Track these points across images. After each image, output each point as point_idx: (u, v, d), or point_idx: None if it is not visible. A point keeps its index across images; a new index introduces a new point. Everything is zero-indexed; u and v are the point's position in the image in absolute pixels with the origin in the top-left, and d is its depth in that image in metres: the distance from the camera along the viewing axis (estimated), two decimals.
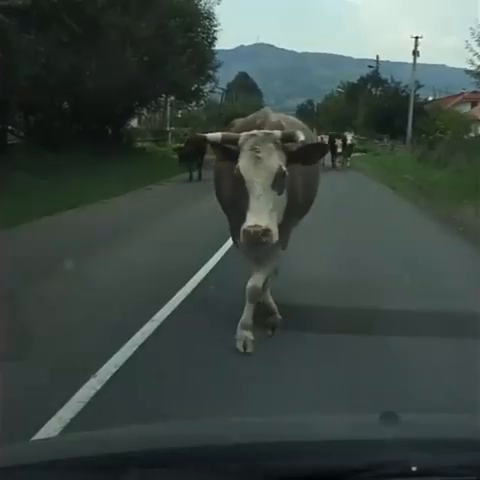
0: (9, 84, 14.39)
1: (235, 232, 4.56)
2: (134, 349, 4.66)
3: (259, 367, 4.36)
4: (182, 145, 20.45)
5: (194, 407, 3.60)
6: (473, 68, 25.17)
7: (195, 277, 6.84)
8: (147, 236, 9.53)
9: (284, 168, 4.00)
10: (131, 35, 19.30)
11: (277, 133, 4.05)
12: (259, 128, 4.17)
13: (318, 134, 25.46)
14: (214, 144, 4.22)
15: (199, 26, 28.13)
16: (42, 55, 14.33)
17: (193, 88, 29.21)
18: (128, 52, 19.08)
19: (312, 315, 5.19)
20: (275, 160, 3.98)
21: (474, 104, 42.02)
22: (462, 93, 43.97)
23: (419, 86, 44.67)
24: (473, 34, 24.18)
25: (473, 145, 22.82)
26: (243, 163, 4.00)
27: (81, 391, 3.89)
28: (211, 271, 7.23)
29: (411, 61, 42.83)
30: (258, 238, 3.81)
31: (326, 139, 23.59)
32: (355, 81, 59.72)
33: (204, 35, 28.83)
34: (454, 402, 3.66)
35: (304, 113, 70.68)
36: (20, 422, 3.36)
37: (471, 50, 24.28)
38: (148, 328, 5.11)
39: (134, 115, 31.55)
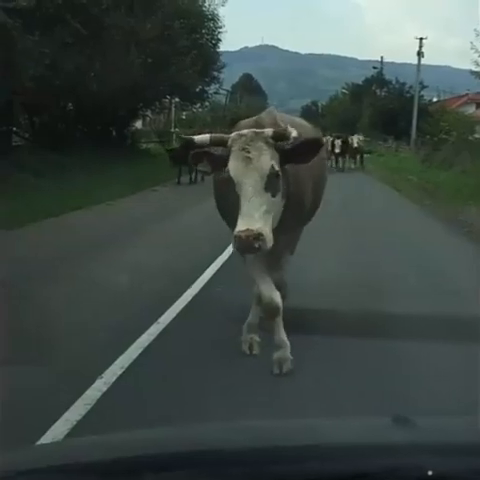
0: (13, 85, 14.42)
1: None
2: (140, 351, 4.66)
3: (267, 369, 4.32)
4: (172, 147, 20.03)
5: (200, 410, 3.59)
6: (478, 69, 25.11)
7: (202, 277, 6.85)
8: (152, 237, 9.55)
9: (277, 168, 3.73)
10: (135, 36, 19.29)
11: (268, 131, 3.79)
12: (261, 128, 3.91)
13: (323, 136, 25.44)
14: (205, 153, 3.90)
15: (203, 28, 28.15)
16: (46, 56, 14.32)
17: (197, 89, 29.21)
18: (132, 53, 19.08)
19: (319, 317, 5.15)
20: (266, 160, 3.70)
21: (479, 105, 41.92)
22: (467, 94, 43.86)
23: (424, 87, 44.65)
24: (478, 35, 24.08)
25: (478, 146, 22.78)
26: (233, 164, 3.74)
27: (88, 393, 3.89)
28: (218, 271, 7.23)
29: (416, 62, 42.90)
30: (250, 243, 3.52)
31: (330, 140, 23.66)
32: (359, 82, 59.69)
33: (208, 36, 28.84)
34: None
35: (308, 114, 70.49)
36: (27, 424, 3.36)
37: (476, 51, 24.22)
38: (154, 330, 5.10)
39: (138, 116, 31.55)
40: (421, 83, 43.10)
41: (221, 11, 32.38)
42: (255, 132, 3.79)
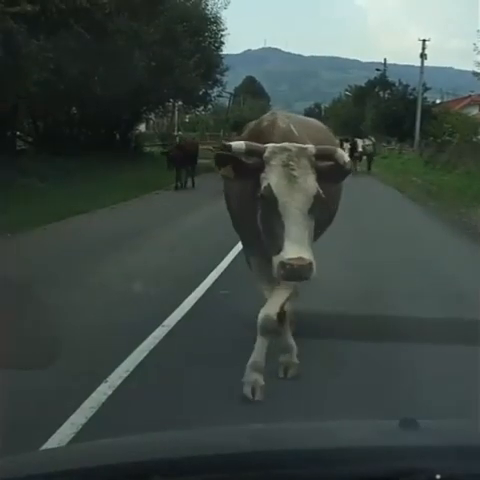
0: (18, 90, 14.47)
1: (249, 252, 4.25)
2: (145, 354, 4.66)
3: (272, 372, 4.31)
4: (167, 150, 19.83)
5: (205, 413, 3.58)
6: None
7: (206, 281, 6.85)
8: (156, 240, 9.57)
9: (320, 190, 3.43)
10: (139, 40, 19.36)
11: (312, 149, 3.49)
12: (285, 136, 3.62)
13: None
14: (232, 158, 3.54)
15: (206, 31, 28.26)
16: (51, 61, 14.37)
17: (201, 92, 29.31)
18: (136, 57, 19.14)
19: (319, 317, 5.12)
20: (312, 181, 3.42)
21: None
22: (470, 95, 43.85)
23: (427, 89, 44.50)
24: None
25: None
26: (276, 181, 3.39)
27: (93, 396, 3.90)
28: (222, 274, 7.23)
29: (419, 64, 42.85)
30: (302, 273, 3.28)
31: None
32: (363, 84, 59.56)
33: (211, 40, 28.95)
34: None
35: (311, 117, 70.22)
36: (32, 427, 3.36)
37: (479, 52, 24.29)
38: (159, 333, 5.10)
39: (142, 120, 31.67)
40: (424, 85, 42.97)
41: (224, 14, 32.54)
42: (300, 148, 3.49)
